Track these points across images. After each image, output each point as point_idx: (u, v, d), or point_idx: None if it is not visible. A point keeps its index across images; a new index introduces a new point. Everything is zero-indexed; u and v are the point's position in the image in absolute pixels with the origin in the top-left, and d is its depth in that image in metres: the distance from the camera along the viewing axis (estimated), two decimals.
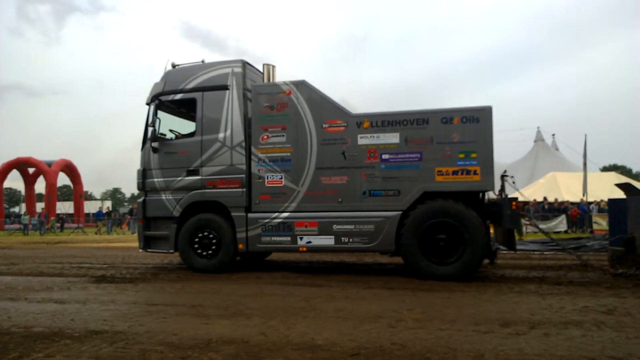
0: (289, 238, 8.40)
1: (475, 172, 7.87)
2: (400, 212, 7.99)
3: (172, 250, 9.01)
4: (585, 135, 25.81)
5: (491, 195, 8.57)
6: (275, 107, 8.66)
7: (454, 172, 7.95)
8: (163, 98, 9.29)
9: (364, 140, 8.28)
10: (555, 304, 5.95)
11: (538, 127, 39.13)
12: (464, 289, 6.98)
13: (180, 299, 6.57)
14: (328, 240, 8.25)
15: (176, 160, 9.06)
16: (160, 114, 9.33)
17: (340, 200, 8.27)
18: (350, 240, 8.15)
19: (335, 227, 8.20)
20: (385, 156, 8.18)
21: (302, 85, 8.63)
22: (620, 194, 9.73)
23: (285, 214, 8.46)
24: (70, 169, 44.42)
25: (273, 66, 9.41)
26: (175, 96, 9.28)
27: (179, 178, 8.99)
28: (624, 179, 29.50)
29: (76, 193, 44.60)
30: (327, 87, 9.12)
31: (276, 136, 8.64)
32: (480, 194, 8.35)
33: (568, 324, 4.91)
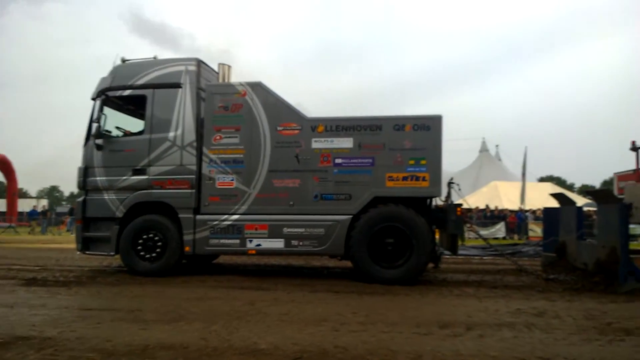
0: (238, 241, 8.32)
1: (424, 179, 8.13)
2: (351, 216, 8.12)
3: (112, 253, 8.67)
4: (526, 147, 27.21)
5: (438, 201, 8.88)
6: (230, 107, 8.57)
7: (404, 178, 8.18)
8: (110, 94, 8.97)
9: (318, 144, 8.35)
10: (491, 306, 6.24)
11: (483, 138, 40.93)
12: (408, 292, 7.19)
13: (118, 303, 6.33)
14: (278, 244, 8.25)
15: (122, 159, 8.75)
16: (106, 110, 8.99)
17: (291, 203, 8.30)
18: (301, 243, 8.19)
19: (285, 230, 8.22)
20: (338, 160, 8.29)
21: (257, 87, 8.60)
22: (554, 204, 10.37)
23: (235, 217, 8.38)
24: (4, 164, 41.79)
25: (229, 66, 9.32)
26: (124, 92, 8.98)
27: (124, 177, 8.69)
28: (558, 189, 31.34)
29: (9, 190, 42.01)
30: (284, 90, 9.12)
31: (229, 137, 8.55)
32: (428, 200, 8.63)
33: (502, 326, 5.17)
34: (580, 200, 16.06)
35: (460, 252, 13.59)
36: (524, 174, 26.22)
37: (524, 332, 4.95)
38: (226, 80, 9.12)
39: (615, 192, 9.48)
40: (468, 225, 11.44)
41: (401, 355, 4.07)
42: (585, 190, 9.95)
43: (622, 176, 9.69)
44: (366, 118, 8.41)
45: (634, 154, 9.26)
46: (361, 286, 7.60)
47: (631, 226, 13.64)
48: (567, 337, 4.78)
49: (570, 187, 63.06)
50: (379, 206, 8.12)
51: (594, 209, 9.72)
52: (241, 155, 8.49)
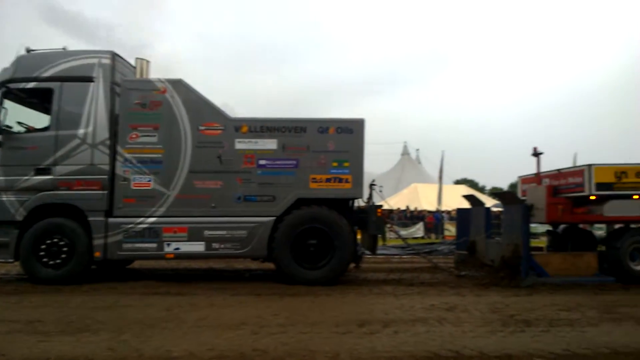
0: (155, 245, 7.94)
1: (347, 181, 8.27)
2: (274, 218, 8.06)
3: (11, 259, 7.91)
4: (443, 151, 28.73)
5: (360, 202, 9.08)
6: (148, 105, 8.16)
7: (327, 180, 8.26)
8: (12, 86, 8.17)
9: (241, 145, 8.20)
10: (407, 303, 6.49)
11: (405, 142, 42.65)
12: (329, 292, 7.28)
13: (16, 314, 5.77)
14: (198, 247, 7.99)
15: (23, 157, 8.01)
16: (7, 103, 8.19)
17: (213, 205, 8.07)
18: (222, 246, 7.99)
19: (206, 232, 7.98)
20: (262, 162, 8.20)
21: (178, 84, 8.28)
22: (466, 204, 11.02)
23: (152, 219, 7.99)
24: None
25: (147, 61, 8.87)
26: (28, 84, 8.24)
27: (26, 177, 7.95)
28: (472, 191, 33.45)
29: None
30: (207, 89, 8.85)
31: (147, 136, 8.13)
32: (351, 201, 8.79)
33: (416, 322, 5.39)
34: (490, 202, 17.25)
35: (381, 251, 14.06)
36: (440, 177, 27.66)
37: (436, 326, 5.19)
38: (144, 76, 8.68)
39: (519, 194, 10.22)
40: (389, 225, 11.83)
41: (320, 355, 4.10)
42: (493, 192, 10.75)
43: (525, 179, 10.47)
44: (291, 120, 8.41)
45: (536, 158, 10.14)
46: (284, 288, 7.58)
47: (533, 225, 14.83)
48: (475, 329, 5.09)
49: (482, 189, 67.44)
50: (302, 208, 8.14)
51: (502, 209, 10.47)
52: (159, 155, 8.11)
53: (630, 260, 8.21)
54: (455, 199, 24.71)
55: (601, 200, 8.45)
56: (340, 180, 8.27)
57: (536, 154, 9.54)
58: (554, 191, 8.92)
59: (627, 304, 6.39)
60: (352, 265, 8.69)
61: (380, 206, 9.05)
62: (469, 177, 74.95)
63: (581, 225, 13.26)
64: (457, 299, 6.82)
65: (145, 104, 8.16)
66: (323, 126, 8.35)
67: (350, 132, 8.36)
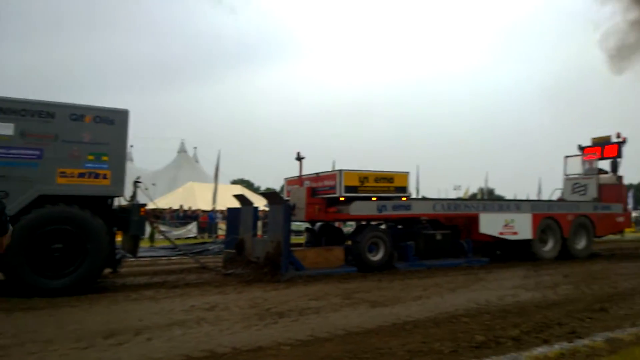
0: None
1: (104, 176, 7.44)
2: None
3: None
4: (219, 150, 28.97)
5: (122, 201, 8.31)
6: None
7: (81, 175, 7.29)
8: None
9: None
10: (166, 306, 6.19)
11: (182, 139, 41.47)
12: (75, 303, 6.37)
13: None
14: None
15: None
16: None
17: None
18: None
19: None
20: None
21: None
22: (238, 204, 11.25)
23: None
24: None
25: None
26: None
27: None
28: (247, 192, 34.64)
29: None
30: None
31: None
32: (109, 200, 7.96)
33: (173, 325, 5.16)
34: (263, 202, 18.07)
35: (147, 253, 13.27)
36: (216, 176, 27.79)
37: (193, 327, 5.06)
38: None
39: (285, 194, 10.96)
40: (154, 226, 11.21)
41: None
42: (260, 193, 11.35)
43: (290, 181, 11.33)
44: (35, 102, 7.15)
45: (299, 162, 11.15)
46: (15, 302, 6.31)
47: (297, 223, 16.08)
48: (232, 326, 5.14)
49: (257, 189, 70.68)
50: (46, 206, 6.98)
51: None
52: None
53: (369, 252, 9.62)
54: (231, 199, 25.18)
55: (349, 201, 9.68)
56: (97, 176, 7.42)
57: (299, 158, 10.37)
58: (312, 192, 9.82)
59: (363, 290, 7.42)
60: (108, 270, 7.88)
61: (144, 205, 8.46)
62: (246, 177, 77.68)
63: (337, 224, 15.01)
64: (220, 298, 6.84)
65: None
66: (77, 113, 7.36)
67: (111, 122, 7.58)
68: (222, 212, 25.48)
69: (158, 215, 21.51)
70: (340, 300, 6.54)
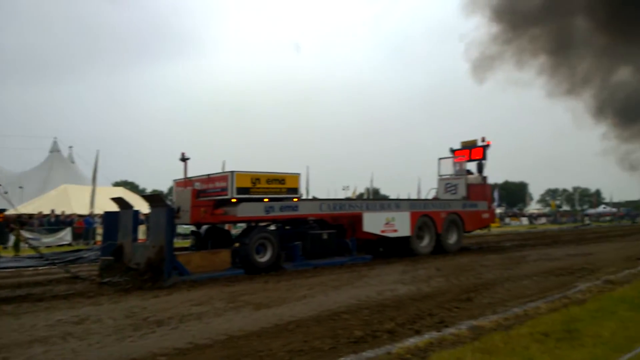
0: None
1: None
2: None
3: None
4: (98, 150, 26.71)
5: None
6: None
7: None
8: None
9: None
10: (28, 322, 5.55)
11: (55, 138, 37.57)
12: None
13: None
14: None
15: None
16: None
17: None
18: None
19: None
20: None
21: None
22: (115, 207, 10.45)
23: None
24: None
25: None
26: None
27: None
28: (130, 194, 32.47)
29: None
30: None
31: None
32: None
33: (34, 342, 4.65)
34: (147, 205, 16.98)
35: (11, 264, 11.83)
36: (94, 178, 25.66)
37: (58, 344, 4.60)
38: None
39: (175, 197, 10.44)
40: (16, 233, 10.00)
41: None
42: (141, 195, 10.68)
43: (179, 183, 10.85)
44: None
45: (184, 163, 10.68)
46: None
47: (184, 226, 15.48)
48: (103, 339, 4.76)
49: (142, 192, 66.68)
50: None
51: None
52: None
53: (256, 253, 9.55)
54: (112, 202, 23.39)
55: (237, 202, 9.52)
56: None
57: (183, 159, 9.96)
58: (198, 194, 9.49)
59: (249, 293, 7.34)
60: None
61: (4, 210, 7.51)
62: (130, 179, 72.93)
63: (227, 226, 14.69)
64: (92, 310, 6.30)
65: None
66: None
67: None
68: (101, 216, 23.63)
69: (24, 221, 19.27)
70: (224, 305, 6.39)
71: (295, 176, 10.56)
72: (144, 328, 5.18)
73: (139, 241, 9.66)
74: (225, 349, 4.37)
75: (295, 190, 10.46)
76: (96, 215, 23.10)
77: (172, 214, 8.57)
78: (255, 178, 9.84)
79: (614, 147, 18.71)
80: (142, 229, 13.54)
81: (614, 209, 60.29)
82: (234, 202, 9.56)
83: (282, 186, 10.20)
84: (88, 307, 6.43)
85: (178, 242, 16.57)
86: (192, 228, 11.32)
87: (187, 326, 5.24)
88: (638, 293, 6.31)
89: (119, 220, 10.04)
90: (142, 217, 14.80)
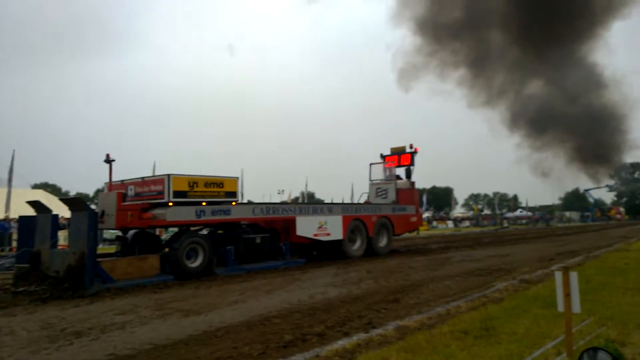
0: None
1: None
2: None
3: None
4: (14, 150, 24.87)
5: None
6: None
7: None
8: None
9: None
10: None
11: None
12: None
13: None
14: None
15: None
16: None
17: None
18: None
19: None
20: None
21: None
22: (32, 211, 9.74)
23: None
24: None
25: None
26: None
27: None
28: (52, 197, 30.41)
29: None
30: None
31: None
32: None
33: None
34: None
35: None
36: (10, 179, 23.78)
37: None
38: None
39: (99, 200, 9.91)
40: None
41: None
42: (60, 199, 9.98)
43: (112, 185, 10.39)
44: None
45: (108, 165, 10.13)
46: None
47: (111, 231, 14.72)
48: (15, 353, 4.45)
49: (65, 194, 62.70)
50: None
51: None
52: None
53: (187, 259, 9.29)
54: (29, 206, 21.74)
55: (167, 206, 9.22)
56: None
57: (108, 160, 9.51)
58: (124, 197, 9.08)
59: (178, 299, 7.13)
60: None
61: None
62: (52, 181, 68.30)
63: (158, 231, 14.15)
64: (4, 321, 5.85)
65: None
66: None
67: None
68: (17, 221, 21.92)
69: None
70: (151, 312, 6.16)
71: (234, 180, 10.47)
72: (61, 340, 4.88)
73: (59, 247, 9.08)
74: (150, 358, 4.22)
75: (233, 194, 10.36)
76: (12, 219, 21.43)
77: (95, 219, 8.13)
78: (193, 181, 9.65)
79: (527, 156, 20.19)
80: (63, 234, 12.75)
81: (530, 213, 64.79)
82: (163, 206, 9.27)
83: (220, 190, 10.07)
84: (0, 319, 5.96)
85: (103, 248, 15.79)
86: (119, 233, 10.81)
87: (109, 336, 4.99)
88: (550, 291, 6.78)
89: (36, 225, 9.38)
90: (63, 222, 13.96)
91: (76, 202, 8.43)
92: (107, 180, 10.35)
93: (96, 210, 8.54)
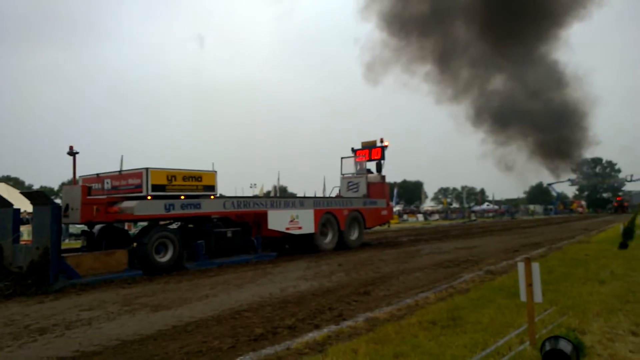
0: None
1: None
2: None
3: None
4: None
5: None
6: None
7: None
8: None
9: None
10: None
11: None
12: None
13: None
14: None
15: None
16: None
17: None
18: None
19: None
20: None
21: None
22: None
23: None
24: None
25: None
26: None
27: None
28: (13, 190, 29.26)
29: None
30: None
31: None
32: None
33: None
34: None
35: None
36: None
37: None
38: None
39: (63, 194, 9.62)
40: None
41: None
42: (22, 192, 9.63)
43: (87, 179, 10.20)
44: None
45: (72, 157, 9.87)
46: None
47: (77, 226, 14.32)
48: None
49: (29, 187, 60.57)
50: None
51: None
52: None
53: (156, 253, 9.15)
54: None
55: (133, 200, 9.04)
56: None
57: (72, 152, 9.24)
58: (89, 191, 8.85)
59: (147, 294, 7.02)
60: None
61: None
62: (14, 174, 65.84)
63: (127, 225, 13.84)
64: None
65: None
66: None
67: None
68: None
69: None
70: (118, 308, 6.05)
71: (212, 174, 10.44)
72: (25, 337, 4.75)
73: (22, 242, 8.79)
74: (117, 355, 4.15)
75: (212, 188, 10.32)
76: None
77: (58, 213, 7.90)
78: (171, 175, 9.58)
79: (492, 150, 20.72)
80: (27, 229, 12.34)
81: (496, 206, 66.48)
82: (130, 200, 9.10)
83: (198, 183, 10.02)
84: None
85: (69, 244, 15.36)
86: (85, 228, 10.54)
87: (74, 333, 4.88)
88: (514, 282, 6.99)
89: None
90: (26, 217, 13.47)
91: (38, 196, 8.16)
92: (72, 173, 10.08)
93: (60, 205, 8.28)
